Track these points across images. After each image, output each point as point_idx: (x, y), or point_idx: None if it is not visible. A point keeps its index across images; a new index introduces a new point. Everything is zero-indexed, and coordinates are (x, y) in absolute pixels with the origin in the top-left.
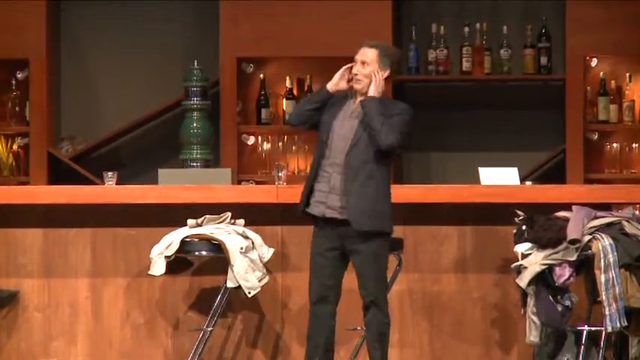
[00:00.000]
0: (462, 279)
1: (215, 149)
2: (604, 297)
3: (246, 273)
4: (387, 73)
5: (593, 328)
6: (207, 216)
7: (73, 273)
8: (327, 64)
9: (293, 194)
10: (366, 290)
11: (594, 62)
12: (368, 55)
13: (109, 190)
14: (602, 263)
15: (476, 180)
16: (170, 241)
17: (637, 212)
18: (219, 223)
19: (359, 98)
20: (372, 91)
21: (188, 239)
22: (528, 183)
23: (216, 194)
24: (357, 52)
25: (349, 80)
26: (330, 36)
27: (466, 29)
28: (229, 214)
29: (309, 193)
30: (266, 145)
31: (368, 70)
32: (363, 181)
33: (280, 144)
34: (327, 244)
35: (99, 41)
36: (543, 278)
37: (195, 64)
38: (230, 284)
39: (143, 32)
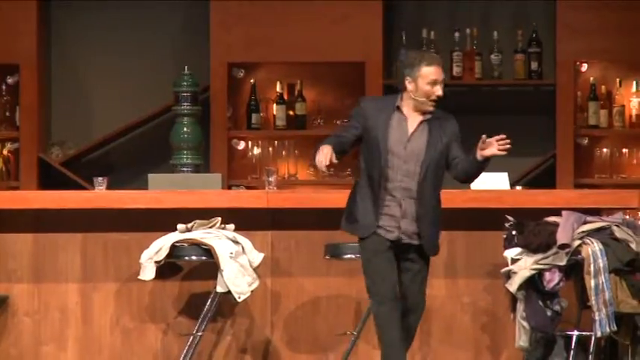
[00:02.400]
0: (452, 284)
1: (205, 154)
2: (594, 302)
3: (235, 278)
4: None
5: (582, 333)
6: (197, 221)
7: (63, 278)
8: (318, 69)
9: (283, 199)
10: (416, 301)
11: (584, 67)
12: (442, 73)
13: (99, 196)
14: (592, 268)
15: (466, 185)
16: (160, 246)
17: (627, 217)
18: (209, 228)
19: (409, 115)
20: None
21: (178, 244)
22: (518, 188)
23: (207, 199)
24: (427, 70)
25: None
26: (321, 41)
27: (456, 34)
28: (219, 219)
29: (375, 215)
30: (256, 150)
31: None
32: (433, 207)
33: (270, 149)
34: (383, 245)
35: (89, 46)
36: (533, 283)
37: (186, 69)
38: (220, 289)
39: (134, 37)
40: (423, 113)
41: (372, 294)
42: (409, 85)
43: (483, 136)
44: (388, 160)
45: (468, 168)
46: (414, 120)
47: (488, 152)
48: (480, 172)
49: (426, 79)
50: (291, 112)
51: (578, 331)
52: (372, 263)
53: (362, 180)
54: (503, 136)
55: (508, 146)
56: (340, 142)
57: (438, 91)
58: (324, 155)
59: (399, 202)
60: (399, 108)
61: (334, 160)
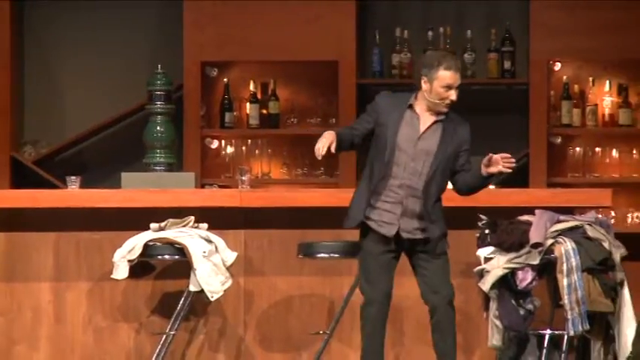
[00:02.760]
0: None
1: (178, 153)
2: (566, 301)
3: (209, 277)
4: None
5: (555, 332)
6: (171, 220)
7: (36, 277)
8: (291, 68)
9: (256, 198)
10: (440, 292)
11: (558, 66)
12: (459, 79)
13: (72, 194)
14: (565, 267)
15: None
16: (133, 245)
17: (600, 216)
18: (182, 226)
19: (422, 114)
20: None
21: (151, 243)
22: (491, 187)
23: (180, 198)
24: (442, 76)
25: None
26: (294, 40)
27: (430, 33)
28: (192, 217)
29: (366, 206)
30: (229, 149)
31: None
32: (438, 205)
33: (244, 148)
34: (380, 246)
35: (62, 45)
36: (506, 282)
37: (159, 68)
38: (193, 288)
39: (107, 36)
40: (437, 114)
41: (363, 293)
42: (424, 85)
43: (490, 154)
44: (395, 157)
45: (471, 182)
46: (426, 119)
47: (493, 169)
48: (483, 188)
49: (442, 82)
50: (264, 111)
51: (550, 330)
52: (367, 263)
53: (365, 174)
54: (508, 155)
55: (513, 165)
56: (350, 134)
57: (452, 95)
58: (324, 143)
59: (401, 200)
60: (412, 106)
61: (332, 150)
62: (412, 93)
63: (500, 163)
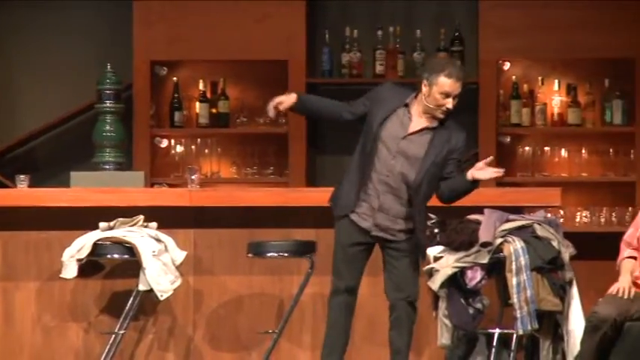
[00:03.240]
0: (375, 282)
1: (128, 152)
2: (515, 300)
3: (158, 276)
4: None
5: (504, 331)
6: (120, 219)
7: None
8: (241, 67)
9: (206, 197)
10: (404, 291)
11: (507, 66)
12: (459, 89)
13: (21, 193)
14: (514, 266)
15: None
16: (82, 244)
17: (549, 215)
18: (131, 226)
19: (416, 117)
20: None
21: (100, 242)
22: None
23: (129, 197)
24: (444, 85)
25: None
26: (244, 39)
27: (379, 33)
28: (142, 217)
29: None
30: (179, 148)
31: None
32: (422, 212)
33: (193, 147)
34: (353, 237)
35: (12, 43)
36: (455, 281)
37: (109, 67)
38: (142, 287)
39: (57, 35)
40: (430, 119)
41: (333, 281)
42: (424, 88)
43: (480, 163)
44: (377, 150)
45: (456, 187)
46: (418, 122)
47: (480, 175)
48: (466, 194)
49: (441, 88)
50: (214, 110)
51: (500, 328)
52: (336, 254)
53: (353, 161)
54: (488, 159)
55: (501, 173)
56: (324, 105)
57: (448, 104)
58: (279, 100)
59: (377, 194)
60: (407, 105)
61: (281, 108)
62: (414, 92)
63: (487, 169)
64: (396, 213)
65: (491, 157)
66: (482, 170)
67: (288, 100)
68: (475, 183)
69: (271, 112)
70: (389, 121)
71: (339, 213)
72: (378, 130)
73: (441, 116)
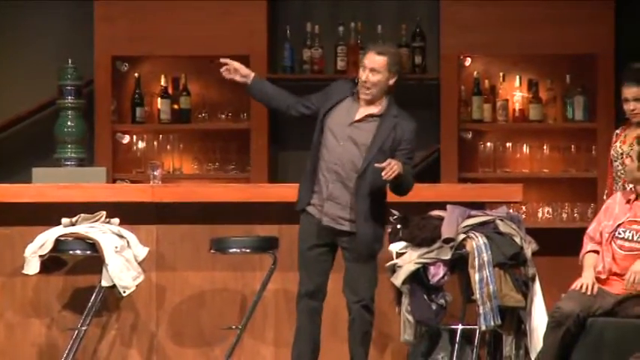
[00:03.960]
0: (337, 278)
1: (89, 148)
2: (478, 296)
3: (120, 272)
4: (394, 79)
5: (467, 327)
6: (82, 215)
7: None
8: (202, 63)
9: (168, 193)
10: (357, 294)
11: (468, 62)
12: (377, 62)
13: None
14: (477, 262)
15: None
16: (44, 240)
17: (511, 211)
18: (93, 222)
19: (362, 105)
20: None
21: (62, 238)
22: None
23: (91, 193)
24: (360, 57)
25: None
26: (206, 35)
27: (341, 28)
28: (104, 213)
29: (311, 193)
30: (141, 144)
31: (377, 79)
32: (371, 204)
33: (155, 143)
34: (316, 240)
35: None
36: (418, 277)
37: (70, 62)
38: (105, 283)
39: (17, 30)
40: (378, 106)
41: (299, 284)
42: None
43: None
44: (325, 139)
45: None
46: (365, 110)
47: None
48: (399, 190)
49: (362, 62)
50: (175, 106)
51: (462, 324)
52: (301, 257)
53: (309, 156)
54: (382, 166)
55: (392, 175)
56: (277, 94)
57: (362, 75)
58: (237, 66)
59: (326, 184)
60: (354, 94)
61: (236, 78)
62: None
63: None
64: (345, 202)
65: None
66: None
67: (245, 72)
68: (393, 182)
69: (225, 73)
70: (335, 110)
71: (298, 207)
72: (324, 119)
73: (363, 96)
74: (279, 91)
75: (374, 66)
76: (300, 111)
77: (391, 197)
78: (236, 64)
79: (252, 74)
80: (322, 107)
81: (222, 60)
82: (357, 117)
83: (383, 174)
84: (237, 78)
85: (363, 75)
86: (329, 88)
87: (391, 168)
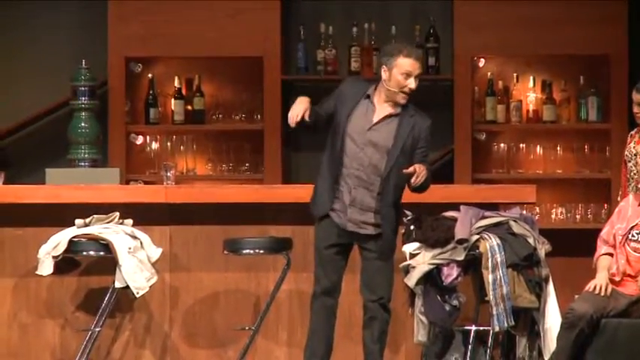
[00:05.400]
0: (351, 279)
1: (103, 149)
2: (491, 296)
3: (134, 273)
4: None
5: (480, 328)
6: (96, 216)
7: None
8: (216, 64)
9: (182, 194)
10: (376, 293)
11: (482, 63)
12: (419, 68)
13: None
14: (490, 263)
15: None
16: (58, 241)
17: (524, 212)
18: (107, 222)
19: (379, 106)
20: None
21: (76, 239)
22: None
23: (105, 194)
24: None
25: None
26: (219, 36)
27: (354, 29)
28: (117, 213)
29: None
30: (154, 145)
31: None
32: (392, 204)
33: (169, 144)
34: (332, 236)
35: None
36: (431, 278)
37: (84, 63)
38: (118, 284)
39: (31, 31)
40: (394, 106)
41: (314, 283)
42: (384, 74)
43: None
44: (345, 146)
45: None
46: (382, 111)
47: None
48: (419, 190)
49: (401, 69)
50: (189, 107)
51: (476, 325)
52: (318, 255)
53: (324, 161)
54: (410, 172)
55: (420, 180)
56: (316, 110)
57: (411, 84)
58: (298, 110)
59: (349, 190)
60: (369, 96)
61: (306, 118)
62: (374, 84)
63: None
64: (368, 206)
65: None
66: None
67: (302, 107)
68: (418, 187)
69: (292, 123)
70: (353, 115)
71: (317, 214)
72: (344, 126)
73: (403, 101)
74: (315, 108)
75: (418, 73)
76: (322, 120)
77: (404, 198)
78: (296, 110)
79: (307, 99)
80: (339, 112)
81: (292, 122)
82: (375, 119)
83: (412, 180)
84: (302, 114)
85: (412, 83)
86: (340, 90)
87: (420, 173)
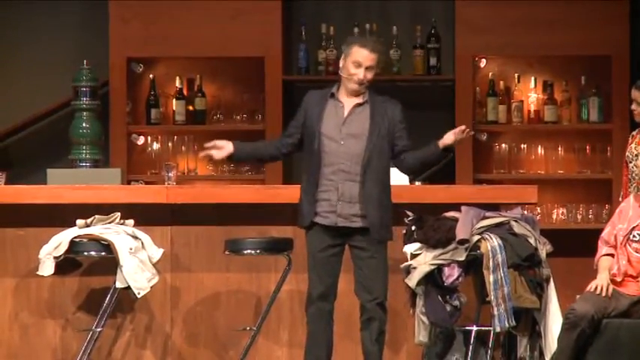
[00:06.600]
0: (351, 279)
1: (105, 149)
2: (493, 297)
3: (135, 273)
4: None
5: (481, 328)
6: (97, 216)
7: None
8: (217, 64)
9: (183, 194)
10: (372, 293)
11: (483, 63)
12: (373, 60)
13: None
14: (491, 263)
15: None
16: (59, 241)
17: (525, 212)
18: (108, 223)
19: (349, 97)
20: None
21: (77, 239)
22: (417, 183)
23: (106, 194)
24: (353, 53)
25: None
26: (220, 36)
27: (356, 30)
28: (118, 214)
29: (314, 203)
30: (155, 146)
31: (371, 75)
32: (379, 191)
33: (170, 144)
34: (324, 241)
35: None
36: (432, 278)
37: (85, 63)
38: (119, 284)
39: (33, 32)
40: (359, 95)
41: (308, 290)
42: (341, 62)
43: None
44: (324, 145)
45: (423, 156)
46: (349, 103)
47: (449, 139)
48: (436, 163)
49: (352, 57)
50: (190, 108)
51: (477, 326)
52: (311, 261)
53: (304, 170)
54: (462, 127)
55: (467, 130)
56: (262, 150)
57: (360, 74)
58: (214, 149)
59: (335, 186)
60: (333, 95)
61: (216, 157)
62: (336, 84)
63: (455, 133)
64: (355, 197)
65: (463, 126)
66: (450, 135)
67: (222, 143)
68: (447, 151)
69: (214, 156)
70: (324, 115)
71: (302, 224)
72: (318, 128)
73: (355, 86)
74: (262, 143)
75: (371, 64)
76: (290, 143)
77: (405, 198)
78: (214, 143)
79: (230, 143)
80: (309, 119)
81: (205, 149)
82: (346, 113)
83: (460, 130)
84: (224, 153)
85: (360, 73)
86: (304, 102)
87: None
